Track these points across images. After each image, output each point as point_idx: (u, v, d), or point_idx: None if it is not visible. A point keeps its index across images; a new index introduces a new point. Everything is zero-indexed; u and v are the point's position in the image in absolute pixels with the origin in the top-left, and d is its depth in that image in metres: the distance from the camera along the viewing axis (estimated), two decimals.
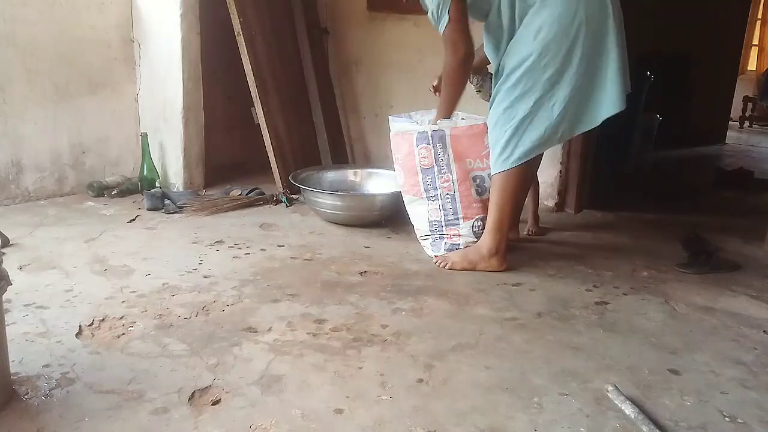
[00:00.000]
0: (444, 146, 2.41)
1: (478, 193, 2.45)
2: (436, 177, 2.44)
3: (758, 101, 7.10)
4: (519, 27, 2.20)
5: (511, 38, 2.23)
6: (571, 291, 2.21)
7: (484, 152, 2.38)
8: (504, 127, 2.23)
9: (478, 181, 2.44)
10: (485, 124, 2.36)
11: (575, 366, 1.69)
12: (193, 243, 2.57)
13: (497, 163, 2.26)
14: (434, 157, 2.42)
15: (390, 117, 2.65)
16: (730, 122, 6.33)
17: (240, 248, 2.52)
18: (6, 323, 1.49)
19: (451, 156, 2.41)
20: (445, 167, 2.43)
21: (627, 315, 2.03)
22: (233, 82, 3.59)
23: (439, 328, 1.89)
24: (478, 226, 2.43)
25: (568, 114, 2.18)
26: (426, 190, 2.47)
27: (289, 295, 2.09)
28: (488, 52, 2.38)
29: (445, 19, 2.19)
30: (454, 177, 2.43)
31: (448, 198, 2.46)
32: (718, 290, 2.26)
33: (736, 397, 1.58)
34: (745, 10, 6.10)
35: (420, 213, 2.52)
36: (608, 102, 2.19)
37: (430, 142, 2.41)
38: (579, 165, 3.13)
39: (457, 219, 2.46)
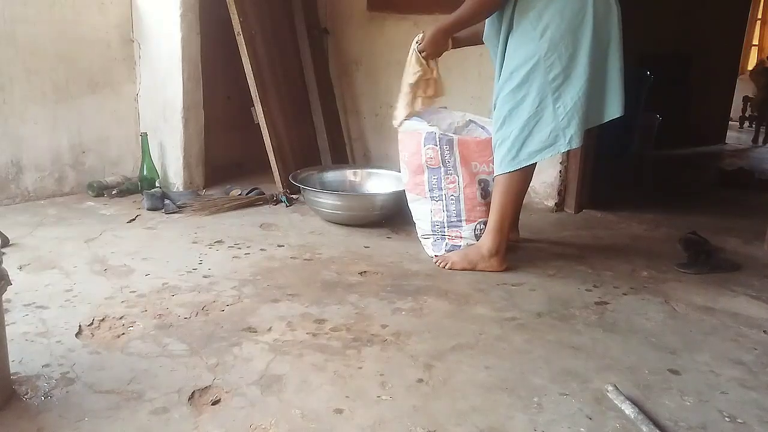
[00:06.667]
0: (451, 149, 2.40)
1: (483, 197, 2.45)
2: (442, 177, 2.44)
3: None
4: (521, 22, 2.15)
5: (509, 33, 2.20)
6: (571, 291, 2.21)
7: (490, 158, 2.37)
8: (510, 127, 2.21)
9: (482, 184, 2.44)
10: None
11: (575, 366, 1.69)
12: (193, 243, 2.57)
13: (502, 164, 2.25)
14: (441, 159, 2.42)
15: None
16: (730, 122, 6.33)
17: (240, 248, 2.52)
18: (6, 323, 1.49)
19: (458, 158, 2.41)
20: (451, 168, 2.43)
21: (627, 315, 2.03)
22: (233, 82, 3.59)
23: (439, 328, 1.88)
24: (480, 230, 2.43)
25: (575, 118, 2.14)
26: (431, 190, 2.47)
27: (289, 295, 2.08)
28: (489, 46, 2.37)
29: None
30: (460, 179, 2.43)
31: (452, 199, 2.45)
32: (718, 290, 2.26)
33: (736, 397, 1.58)
34: (745, 10, 6.10)
35: (423, 212, 2.52)
36: (612, 105, 2.18)
37: (438, 143, 2.40)
38: (579, 165, 3.13)
39: (460, 221, 2.46)
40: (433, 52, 2.37)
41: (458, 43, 2.45)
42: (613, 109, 2.19)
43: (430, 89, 2.45)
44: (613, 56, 2.16)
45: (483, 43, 2.40)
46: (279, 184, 3.32)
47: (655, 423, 1.43)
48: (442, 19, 2.33)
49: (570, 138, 2.16)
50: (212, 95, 3.45)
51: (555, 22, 2.10)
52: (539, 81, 2.14)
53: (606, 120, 2.22)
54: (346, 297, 2.08)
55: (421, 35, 2.37)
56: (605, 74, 2.16)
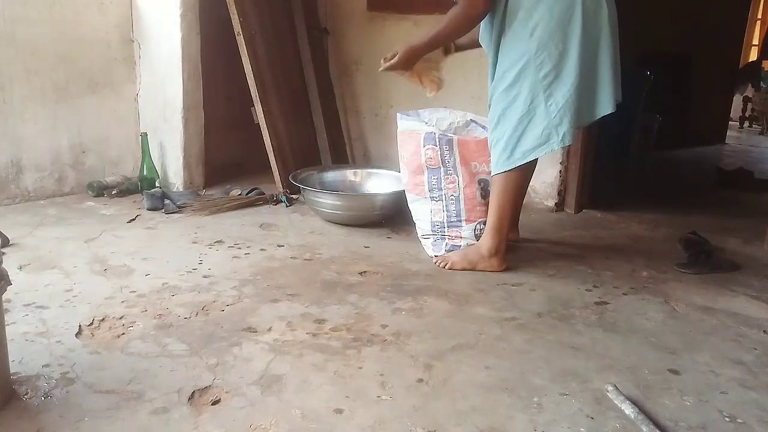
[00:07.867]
0: (451, 149, 2.40)
1: (482, 197, 2.45)
2: (442, 177, 2.44)
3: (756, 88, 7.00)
4: (512, 22, 2.15)
5: (501, 33, 2.20)
6: (571, 291, 2.21)
7: (489, 158, 2.37)
8: (503, 127, 2.22)
9: (482, 184, 2.44)
10: None
11: (575, 366, 1.69)
12: (193, 243, 2.57)
13: (498, 163, 2.25)
14: (440, 159, 2.42)
15: (398, 114, 2.62)
16: (730, 122, 6.33)
17: (240, 248, 2.52)
18: (6, 323, 1.49)
19: (458, 158, 2.41)
20: (451, 169, 2.43)
21: (627, 315, 2.03)
22: (233, 82, 3.59)
23: (439, 328, 1.88)
24: (480, 230, 2.43)
25: (567, 115, 2.14)
26: (430, 190, 2.47)
27: (289, 295, 2.09)
28: (485, 47, 2.37)
29: None
30: (460, 179, 2.43)
31: (452, 199, 2.45)
32: (718, 290, 2.26)
33: (736, 397, 1.58)
34: (745, 10, 6.10)
35: (423, 212, 2.52)
36: (604, 101, 2.18)
37: (437, 143, 2.40)
38: (579, 165, 3.13)
39: (460, 221, 2.46)
40: (403, 68, 2.35)
41: (459, 48, 2.46)
42: (605, 105, 2.18)
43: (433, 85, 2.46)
44: (604, 53, 2.15)
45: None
46: (279, 184, 3.32)
47: (655, 423, 1.43)
48: (417, 38, 2.31)
49: (563, 135, 2.16)
50: (212, 95, 3.45)
51: (544, 20, 2.10)
52: (530, 79, 2.14)
53: (598, 117, 2.21)
54: (346, 297, 2.08)
55: (390, 54, 2.33)
56: (596, 71, 2.15)
